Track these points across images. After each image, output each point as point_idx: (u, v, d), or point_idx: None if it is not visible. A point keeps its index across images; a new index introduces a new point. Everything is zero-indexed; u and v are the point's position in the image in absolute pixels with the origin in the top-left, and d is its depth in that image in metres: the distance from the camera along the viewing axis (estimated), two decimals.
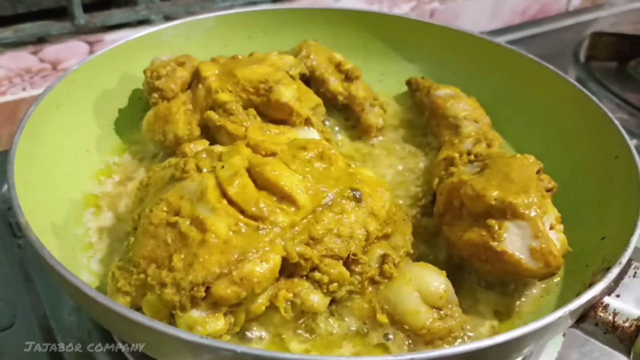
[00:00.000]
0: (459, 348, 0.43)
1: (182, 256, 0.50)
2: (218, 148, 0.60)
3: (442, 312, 0.54)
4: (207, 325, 0.49)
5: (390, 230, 0.59)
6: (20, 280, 0.70)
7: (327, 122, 0.83)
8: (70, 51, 1.00)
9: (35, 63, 0.98)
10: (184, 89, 0.75)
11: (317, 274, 0.53)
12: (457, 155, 0.68)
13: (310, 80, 0.82)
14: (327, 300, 0.54)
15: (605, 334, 0.51)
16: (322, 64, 0.83)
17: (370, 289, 0.55)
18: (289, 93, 0.71)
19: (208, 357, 0.43)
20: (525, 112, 0.82)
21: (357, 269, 0.55)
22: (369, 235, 0.56)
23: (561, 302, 0.59)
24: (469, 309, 0.58)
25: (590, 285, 0.51)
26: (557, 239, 0.57)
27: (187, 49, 0.83)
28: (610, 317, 0.50)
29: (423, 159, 0.78)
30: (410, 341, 0.54)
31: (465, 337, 0.55)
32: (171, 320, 0.50)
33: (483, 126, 0.75)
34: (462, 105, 0.77)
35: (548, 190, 0.62)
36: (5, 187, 0.57)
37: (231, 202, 0.53)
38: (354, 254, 0.54)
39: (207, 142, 0.65)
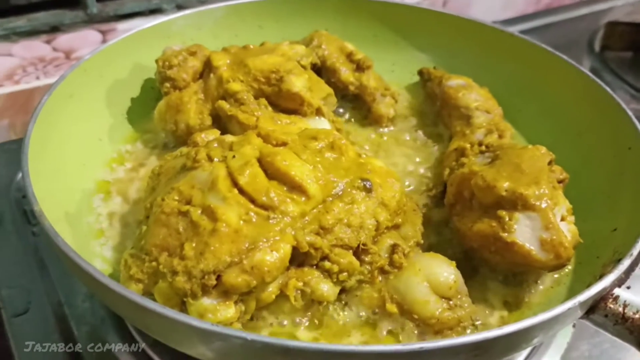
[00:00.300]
0: (467, 338, 0.43)
1: (194, 245, 0.51)
2: (229, 138, 0.60)
3: (451, 302, 0.54)
4: (217, 313, 0.49)
5: (400, 220, 0.59)
6: (34, 268, 0.71)
7: (340, 110, 0.83)
8: (83, 40, 1.01)
9: (49, 52, 0.99)
10: (196, 79, 0.75)
11: (327, 264, 0.53)
12: (468, 146, 0.68)
13: (321, 70, 0.82)
14: (337, 289, 0.54)
15: (615, 326, 0.51)
16: (333, 53, 0.82)
17: (380, 278, 0.56)
18: (300, 83, 0.71)
19: (218, 344, 0.44)
20: (537, 102, 0.81)
21: (367, 259, 0.55)
22: (379, 225, 0.56)
23: (571, 293, 0.59)
24: (478, 300, 0.58)
25: (601, 276, 0.51)
26: (568, 231, 0.57)
27: (198, 38, 0.84)
28: (621, 309, 0.50)
29: (434, 149, 0.78)
30: (419, 331, 0.54)
31: (475, 327, 0.55)
32: (182, 307, 0.51)
33: (495, 117, 0.75)
34: (473, 96, 0.77)
35: (560, 182, 0.62)
36: (20, 175, 0.58)
37: (242, 192, 0.53)
38: (364, 244, 0.55)
39: (219, 132, 0.65)
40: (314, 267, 0.54)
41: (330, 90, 0.76)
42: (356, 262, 0.54)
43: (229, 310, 0.50)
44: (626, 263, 0.51)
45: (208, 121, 0.72)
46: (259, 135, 0.60)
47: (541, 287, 0.61)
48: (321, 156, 0.58)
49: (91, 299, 0.66)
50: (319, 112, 0.72)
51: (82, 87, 0.73)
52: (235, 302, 0.50)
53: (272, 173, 0.55)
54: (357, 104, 0.84)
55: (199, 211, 0.52)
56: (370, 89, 0.81)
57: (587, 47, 1.22)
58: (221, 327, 0.43)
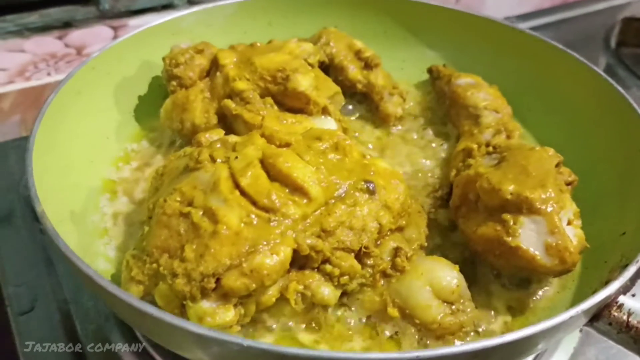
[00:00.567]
0: (466, 346, 0.43)
1: (194, 247, 0.50)
2: (232, 138, 0.60)
3: (453, 306, 0.54)
4: (216, 316, 0.49)
5: (404, 222, 0.59)
6: (41, 265, 0.71)
7: (350, 107, 0.82)
8: (95, 36, 1.01)
9: (61, 48, 1.00)
10: (202, 77, 0.75)
11: (328, 267, 0.53)
12: (475, 146, 0.67)
13: (329, 68, 0.82)
14: (338, 292, 0.54)
15: (618, 334, 0.50)
16: (341, 51, 0.82)
17: (381, 282, 0.55)
18: (306, 82, 0.70)
19: (216, 349, 0.44)
20: (547, 101, 0.80)
21: (368, 262, 0.55)
22: (381, 228, 0.56)
23: (577, 298, 0.58)
24: (482, 304, 0.58)
25: (606, 283, 0.50)
26: (574, 235, 0.56)
27: (207, 35, 0.83)
28: (625, 317, 0.49)
29: (442, 149, 0.77)
30: (420, 336, 0.54)
31: (477, 333, 0.55)
32: (183, 310, 0.51)
33: (504, 116, 0.74)
34: (482, 95, 0.76)
35: (568, 184, 0.61)
36: None
37: (243, 193, 0.53)
38: (366, 247, 0.54)
39: (223, 132, 0.65)
40: (315, 270, 0.53)
41: (337, 88, 0.76)
42: (358, 266, 0.54)
43: (228, 314, 0.49)
44: (632, 270, 0.50)
45: (214, 120, 0.71)
46: (263, 135, 0.59)
47: (546, 291, 0.60)
48: (324, 157, 0.58)
49: (96, 298, 0.67)
50: (325, 111, 0.71)
51: (90, 84, 0.73)
52: (235, 305, 0.50)
53: (274, 174, 0.55)
54: (365, 103, 0.83)
55: (201, 212, 0.52)
56: (378, 87, 0.80)
57: (603, 43, 1.20)
58: (218, 333, 0.43)
